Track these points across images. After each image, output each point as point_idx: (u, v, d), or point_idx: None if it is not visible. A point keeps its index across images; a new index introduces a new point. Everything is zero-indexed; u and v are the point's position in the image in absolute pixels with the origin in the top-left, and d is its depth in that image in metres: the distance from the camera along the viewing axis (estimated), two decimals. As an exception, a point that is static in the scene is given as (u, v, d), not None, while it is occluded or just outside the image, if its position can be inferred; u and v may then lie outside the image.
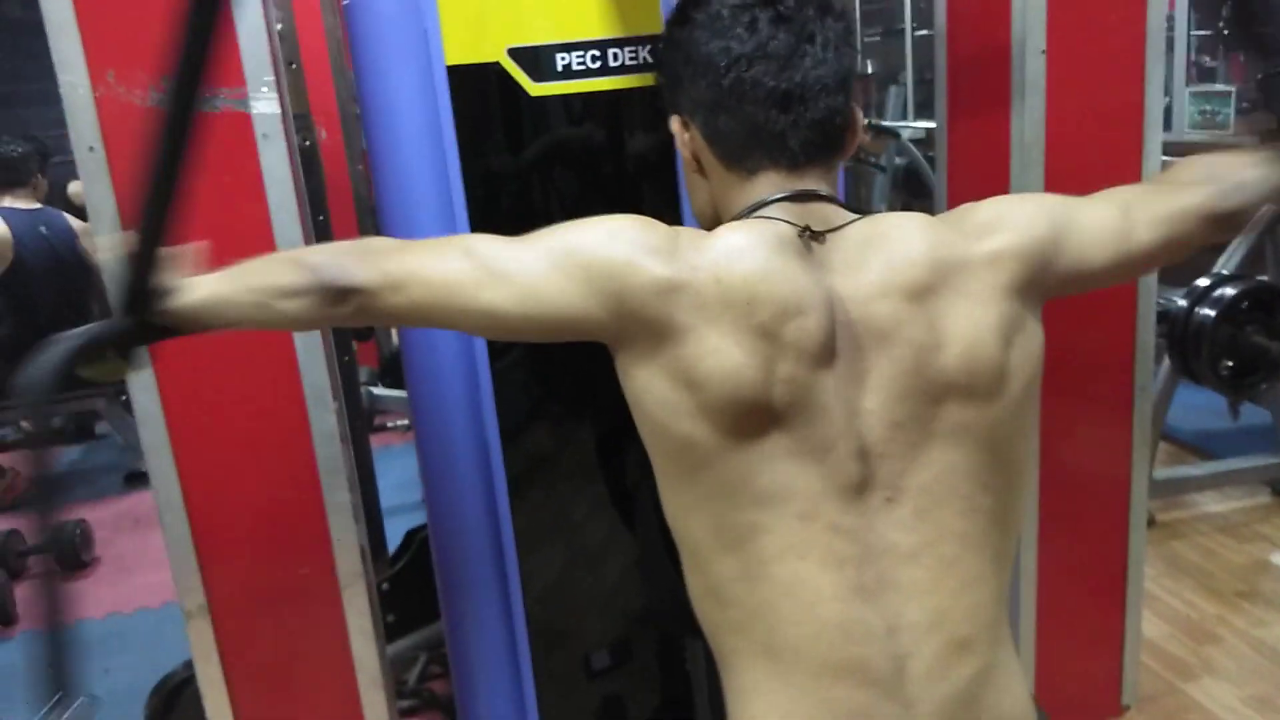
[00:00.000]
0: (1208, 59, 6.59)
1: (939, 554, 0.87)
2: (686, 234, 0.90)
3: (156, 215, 0.84)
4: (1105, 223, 0.97)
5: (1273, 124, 1.10)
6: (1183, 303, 2.55)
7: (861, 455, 0.86)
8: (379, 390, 3.66)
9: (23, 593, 2.96)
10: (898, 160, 5.11)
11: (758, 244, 0.87)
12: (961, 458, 0.87)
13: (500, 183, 1.53)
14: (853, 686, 0.85)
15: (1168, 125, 5.32)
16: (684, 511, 0.91)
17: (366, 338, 3.74)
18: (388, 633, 2.19)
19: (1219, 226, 1.00)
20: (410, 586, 2.19)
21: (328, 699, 1.58)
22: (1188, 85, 5.23)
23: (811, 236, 0.90)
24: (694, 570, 0.93)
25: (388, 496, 2.56)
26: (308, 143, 1.98)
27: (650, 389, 0.88)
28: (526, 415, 1.68)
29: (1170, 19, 5.30)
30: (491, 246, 0.90)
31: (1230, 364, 2.56)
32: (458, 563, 1.73)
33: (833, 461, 0.86)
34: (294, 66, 1.97)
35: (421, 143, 1.48)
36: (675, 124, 0.99)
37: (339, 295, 0.88)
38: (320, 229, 2.01)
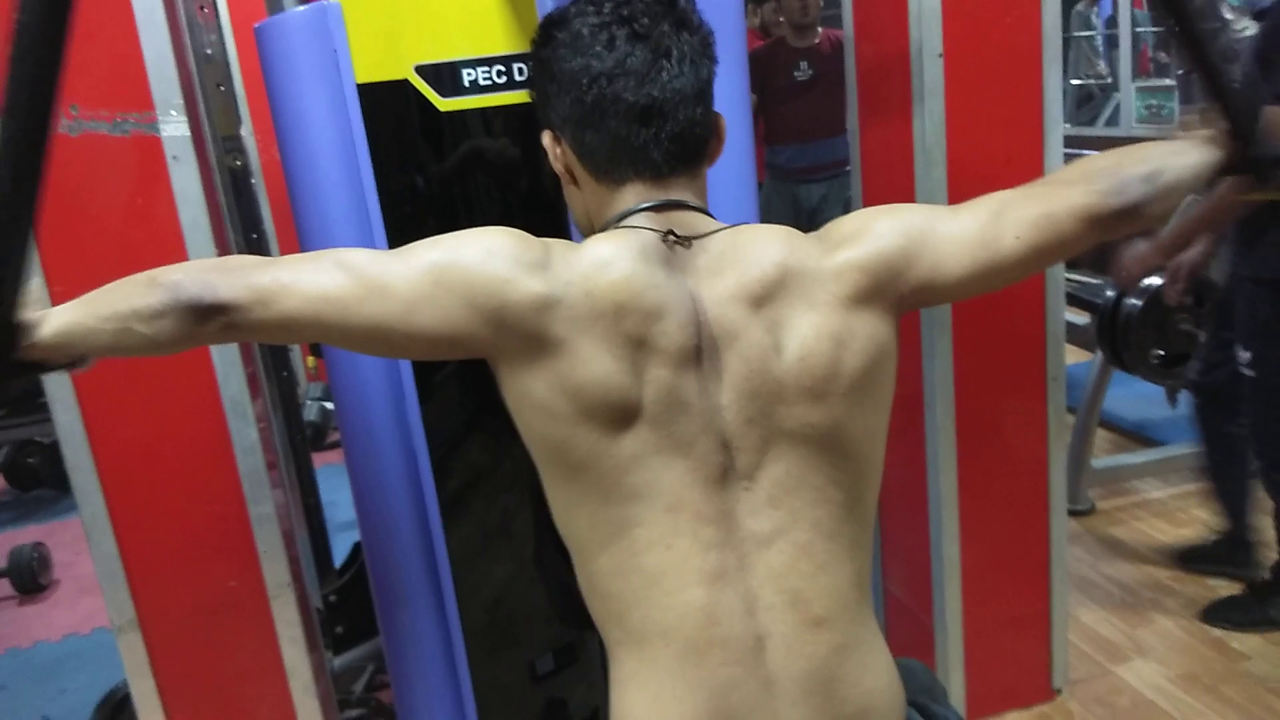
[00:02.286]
0: (1163, 54, 6.71)
1: (793, 539, 0.91)
2: (558, 247, 0.94)
3: (8, 252, 0.83)
4: (967, 233, 0.97)
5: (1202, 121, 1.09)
6: (1111, 293, 2.61)
7: (723, 448, 0.91)
8: (333, 405, 3.67)
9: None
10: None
11: (623, 254, 0.91)
12: (808, 453, 0.92)
13: (416, 198, 1.56)
14: (717, 665, 0.90)
15: (1115, 120, 5.43)
16: (566, 511, 0.96)
17: (321, 353, 3.76)
18: (336, 644, 2.22)
19: (1105, 226, 0.98)
20: (358, 598, 2.22)
21: (263, 709, 1.61)
22: (1134, 80, 5.34)
23: (676, 241, 0.94)
24: (580, 567, 0.98)
25: (344, 510, 2.58)
26: (238, 163, 2.01)
27: (529, 397, 0.92)
28: (460, 427, 1.71)
29: (1114, 17, 5.41)
30: (370, 260, 0.92)
31: (1160, 353, 2.61)
32: (392, 575, 1.76)
33: (697, 455, 0.90)
34: (223, 89, 2.00)
35: (336, 162, 1.51)
36: (547, 139, 1.03)
37: (203, 313, 0.86)
38: (253, 247, 2.04)
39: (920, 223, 0.98)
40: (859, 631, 0.94)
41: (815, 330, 0.92)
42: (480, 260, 0.90)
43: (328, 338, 0.92)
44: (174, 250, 1.41)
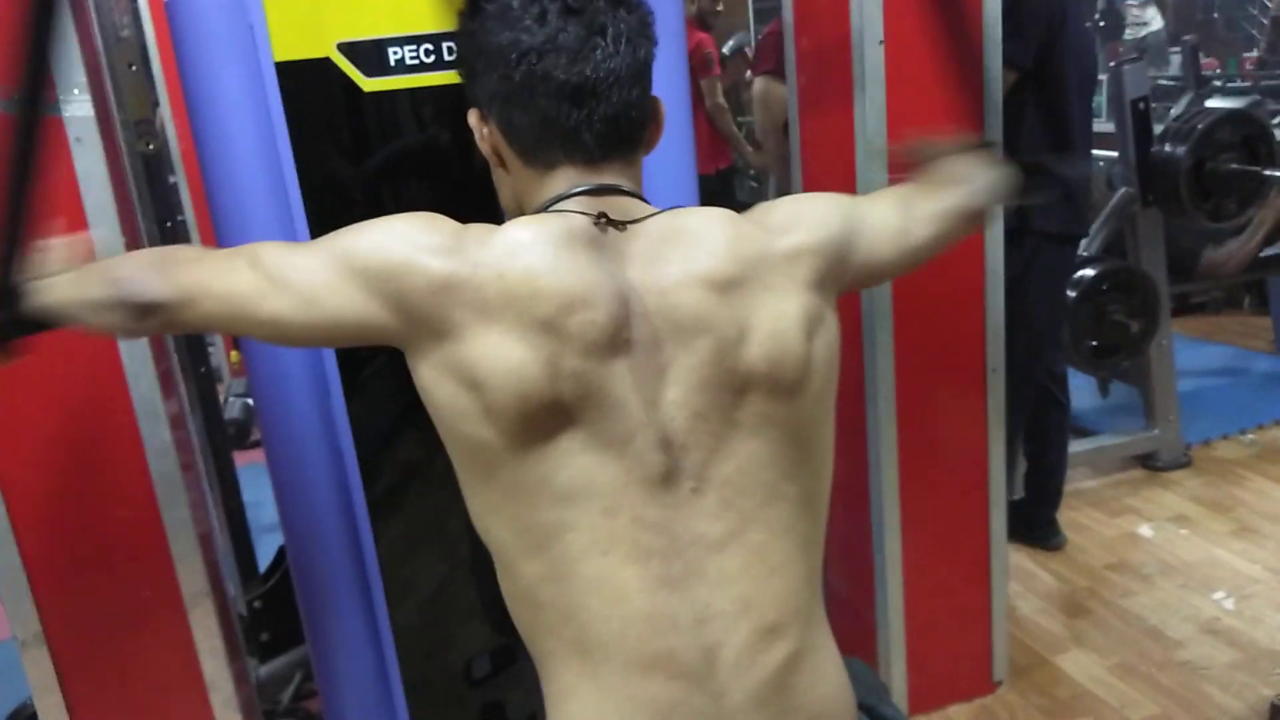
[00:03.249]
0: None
1: (746, 541, 0.87)
2: (475, 230, 0.88)
3: (14, 216, 0.93)
4: (890, 221, 1.04)
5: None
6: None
7: (664, 446, 0.86)
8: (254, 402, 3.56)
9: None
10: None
11: (544, 237, 0.86)
12: (764, 447, 0.88)
13: (338, 181, 1.49)
14: (663, 680, 0.85)
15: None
16: (486, 514, 0.90)
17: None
18: (262, 652, 2.14)
19: (972, 223, 1.14)
20: (283, 603, 2.13)
21: (180, 723, 1.53)
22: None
23: (608, 224, 0.89)
24: (503, 573, 0.92)
25: (270, 511, 2.48)
26: (150, 146, 1.91)
27: (437, 390, 0.87)
28: (389, 422, 1.64)
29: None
30: (275, 255, 0.90)
31: (1093, 343, 2.64)
32: (318, 579, 1.68)
33: (634, 454, 0.85)
34: (134, 69, 1.90)
35: (254, 145, 1.43)
36: (473, 117, 0.97)
37: (141, 311, 0.89)
38: (167, 234, 1.94)
39: (851, 210, 1.01)
40: (812, 635, 0.90)
41: (780, 316, 0.88)
42: (379, 245, 0.87)
43: (244, 332, 0.92)
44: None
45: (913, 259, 1.08)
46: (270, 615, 2.10)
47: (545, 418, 0.83)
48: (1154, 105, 2.87)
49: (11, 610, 1.40)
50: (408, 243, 0.86)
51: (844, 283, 0.97)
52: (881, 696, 1.13)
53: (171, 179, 3.75)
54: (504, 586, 0.92)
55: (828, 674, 0.90)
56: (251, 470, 2.64)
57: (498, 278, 0.83)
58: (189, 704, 1.52)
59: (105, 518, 1.41)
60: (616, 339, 0.84)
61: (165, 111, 3.17)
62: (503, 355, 0.83)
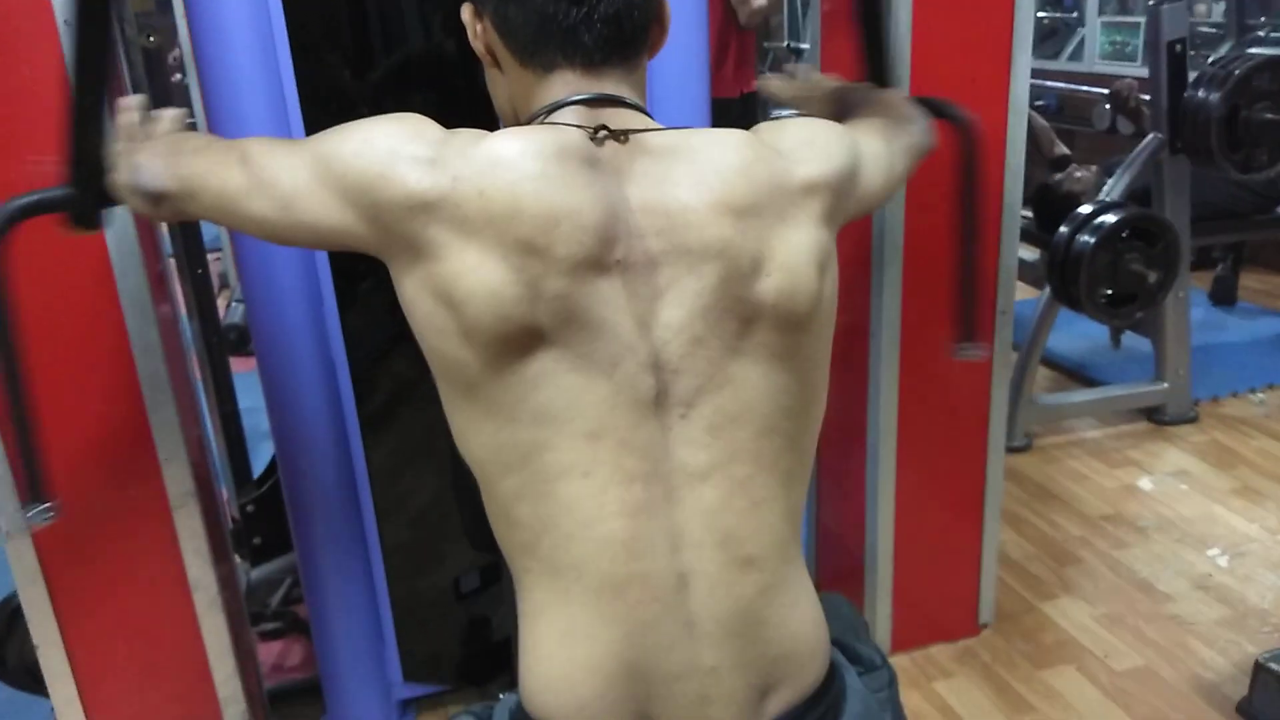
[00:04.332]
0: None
1: (730, 473, 0.84)
2: (461, 138, 0.84)
3: (91, 91, 0.99)
4: (880, 153, 1.04)
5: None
6: (1064, 229, 2.56)
7: (655, 369, 0.83)
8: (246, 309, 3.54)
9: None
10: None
11: (532, 151, 0.81)
12: (763, 379, 0.85)
13: (336, 87, 1.45)
14: (634, 601, 0.83)
15: (1079, 55, 5.36)
16: (466, 430, 0.88)
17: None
18: (254, 555, 2.15)
19: (921, 161, 1.18)
20: (276, 509, 2.14)
21: (163, 621, 1.53)
22: (1100, 15, 5.25)
23: (609, 136, 0.85)
24: (484, 489, 0.90)
25: (262, 418, 2.48)
26: (151, 39, 1.86)
27: (417, 306, 0.84)
28: (384, 337, 1.62)
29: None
30: (263, 153, 0.89)
31: (1108, 292, 2.59)
32: (308, 489, 1.69)
33: (622, 376, 0.82)
34: (135, -43, 1.84)
35: (251, 46, 1.39)
36: (467, 13, 0.92)
37: (152, 198, 0.93)
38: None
39: (854, 141, 0.99)
40: (787, 570, 0.88)
41: (797, 249, 0.86)
42: (357, 153, 0.83)
43: (243, 230, 0.92)
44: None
45: (892, 192, 1.11)
46: (262, 520, 2.10)
47: (525, 339, 0.80)
48: (1192, 53, 2.76)
49: (-5, 501, 1.39)
50: (387, 152, 0.82)
51: (845, 215, 0.95)
52: (860, 633, 1.12)
53: (180, 77, 3.69)
54: (485, 503, 0.91)
55: (801, 609, 0.89)
56: (252, 377, 2.63)
57: (478, 194, 0.79)
58: (173, 602, 1.53)
59: (92, 414, 1.40)
60: (605, 259, 0.81)
61: (179, 10, 3.10)
62: (481, 276, 0.79)
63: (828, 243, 0.90)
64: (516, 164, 0.80)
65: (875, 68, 1.31)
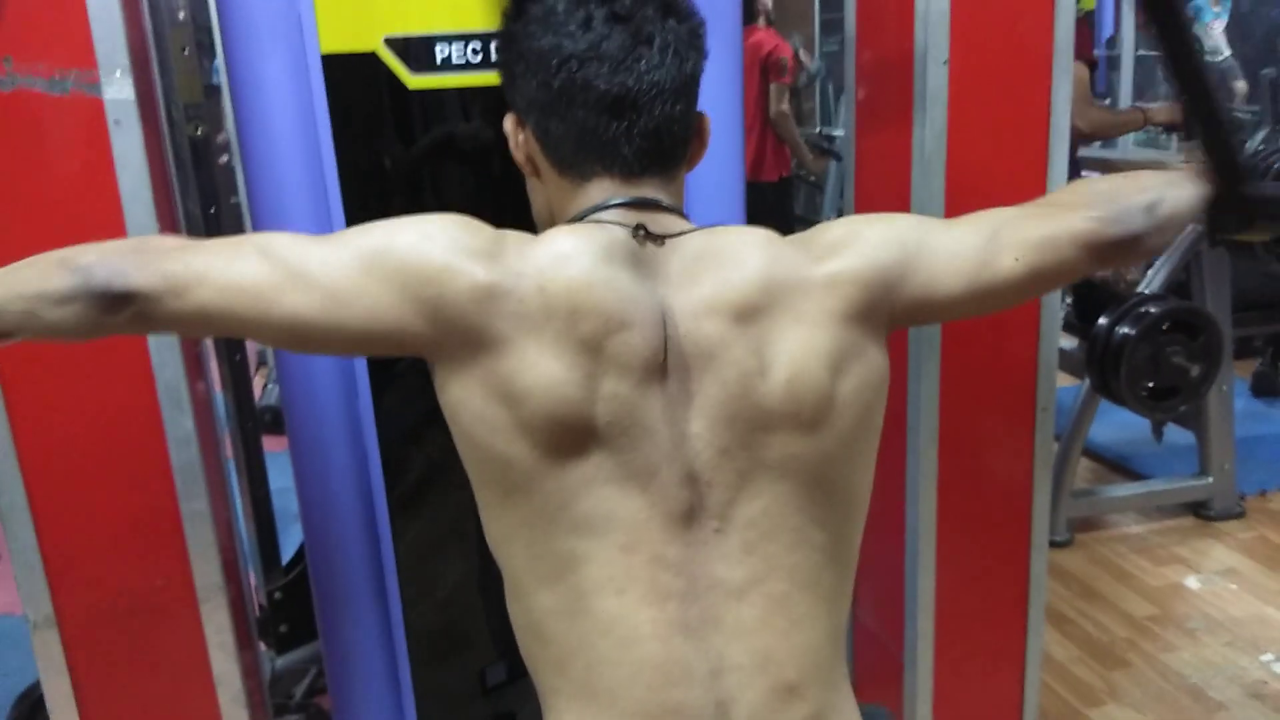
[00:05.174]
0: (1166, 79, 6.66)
1: (767, 591, 0.81)
2: (513, 237, 0.84)
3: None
4: (964, 249, 0.90)
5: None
6: (1104, 321, 2.53)
7: (690, 482, 0.81)
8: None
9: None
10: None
11: (585, 249, 0.81)
12: (791, 489, 0.83)
13: (378, 180, 1.46)
14: None
15: (1112, 142, 5.38)
16: (503, 538, 0.86)
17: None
18: (280, 643, 2.12)
19: (1102, 255, 0.92)
20: (304, 596, 2.12)
21: (186, 715, 1.50)
22: (1134, 102, 5.28)
23: (647, 237, 0.85)
24: (514, 601, 0.88)
25: (293, 499, 2.47)
26: (199, 131, 1.91)
27: (467, 404, 0.82)
28: (416, 420, 1.61)
29: (1115, 37, 5.36)
30: (293, 246, 0.83)
31: (1149, 385, 2.54)
32: (335, 575, 1.66)
33: (658, 488, 0.80)
34: (186, 53, 1.90)
35: (295, 136, 1.41)
36: (509, 123, 0.93)
37: (113, 301, 0.79)
38: (211, 222, 1.94)
39: (915, 235, 0.90)
40: (832, 699, 0.84)
41: (805, 349, 0.82)
42: (417, 245, 0.81)
43: (248, 332, 0.85)
44: (112, 220, 1.30)
45: (993, 294, 0.91)
46: (290, 607, 2.08)
47: (576, 440, 0.79)
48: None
49: (24, 591, 1.38)
50: (448, 245, 0.81)
51: (895, 315, 0.88)
52: (904, 753, 1.07)
53: (227, 158, 3.79)
54: (513, 617, 0.88)
55: (847, 738, 0.85)
56: (285, 456, 2.63)
57: (539, 291, 0.79)
58: (196, 696, 1.50)
59: (123, 504, 1.39)
60: (653, 363, 0.80)
61: (227, 95, 3.19)
62: (542, 369, 0.78)
63: (849, 342, 0.85)
64: (573, 261, 0.80)
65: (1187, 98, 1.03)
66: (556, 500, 0.81)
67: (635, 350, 0.80)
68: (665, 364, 0.81)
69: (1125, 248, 0.92)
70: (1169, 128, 2.69)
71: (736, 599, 0.81)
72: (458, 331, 0.80)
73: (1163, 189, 0.94)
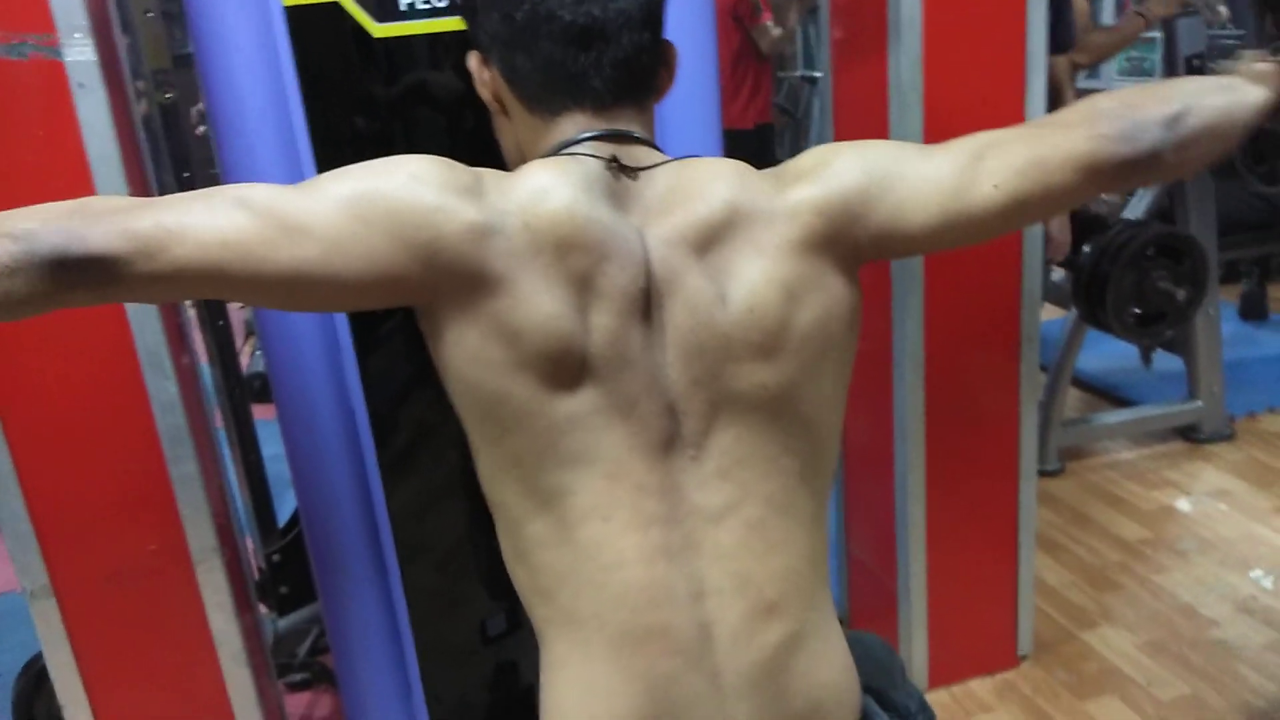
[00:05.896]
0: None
1: (743, 516, 0.82)
2: (490, 174, 0.83)
3: None
4: (937, 176, 0.84)
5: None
6: (1088, 249, 2.53)
7: (668, 412, 0.82)
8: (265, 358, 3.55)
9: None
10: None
11: (564, 183, 0.81)
12: (760, 419, 0.83)
13: (349, 133, 1.45)
14: (656, 655, 0.81)
15: (1095, 72, 5.33)
16: (495, 475, 0.86)
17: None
18: (281, 605, 2.14)
19: (1110, 177, 0.84)
20: (302, 557, 2.13)
21: (189, 677, 1.52)
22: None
23: (621, 170, 0.84)
24: (505, 536, 0.89)
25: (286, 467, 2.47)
26: (169, 96, 1.88)
27: (463, 345, 0.81)
28: (404, 379, 1.61)
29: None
30: (276, 197, 0.77)
31: (1136, 311, 2.55)
32: (330, 537, 1.67)
33: (639, 418, 0.81)
34: (150, 15, 1.86)
35: (263, 91, 1.39)
36: (473, 61, 0.92)
37: (69, 268, 0.70)
38: (188, 184, 1.92)
39: (886, 162, 0.86)
40: (813, 617, 0.85)
41: (763, 278, 0.82)
42: (406, 188, 0.77)
43: (231, 292, 0.77)
44: (82, 184, 1.29)
45: (970, 225, 0.85)
46: (289, 569, 2.10)
47: (569, 375, 0.79)
48: (1212, 66, 2.73)
49: (18, 562, 1.39)
50: (436, 186, 0.78)
51: (858, 244, 0.85)
52: (895, 678, 1.08)
53: (204, 129, 3.74)
54: (505, 551, 0.89)
55: (829, 657, 0.86)
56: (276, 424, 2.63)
57: (524, 227, 0.79)
58: (198, 658, 1.52)
59: (113, 472, 1.39)
60: (634, 295, 0.80)
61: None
62: (535, 305, 0.78)
63: (806, 271, 0.83)
64: (552, 195, 0.80)
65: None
66: (548, 435, 0.81)
67: (618, 283, 0.79)
68: (647, 295, 0.81)
69: (1138, 168, 0.84)
70: (1168, 21, 2.64)
71: (714, 524, 0.82)
72: (454, 273, 0.78)
73: (1195, 96, 0.85)
